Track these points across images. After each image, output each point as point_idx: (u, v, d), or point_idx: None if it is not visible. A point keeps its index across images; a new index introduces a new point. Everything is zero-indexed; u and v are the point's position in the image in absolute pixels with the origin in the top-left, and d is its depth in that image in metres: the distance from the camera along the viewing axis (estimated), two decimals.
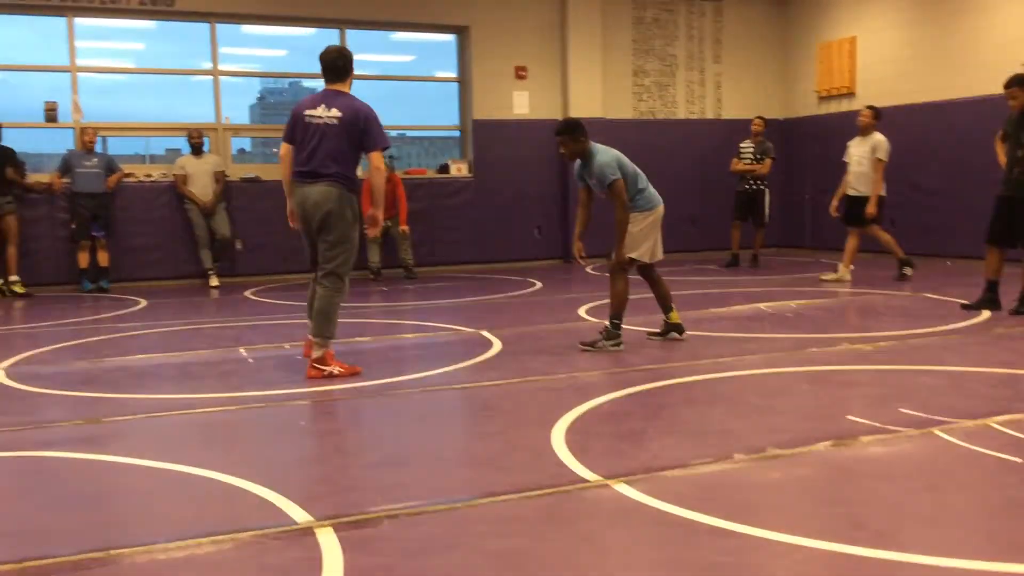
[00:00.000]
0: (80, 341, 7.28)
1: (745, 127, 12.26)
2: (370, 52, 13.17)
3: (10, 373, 5.97)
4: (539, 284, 10.65)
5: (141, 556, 2.96)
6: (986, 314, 7.47)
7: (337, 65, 5.73)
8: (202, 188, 11.13)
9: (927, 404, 4.67)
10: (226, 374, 6.04)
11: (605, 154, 6.26)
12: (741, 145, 11.99)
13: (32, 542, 3.11)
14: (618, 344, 6.34)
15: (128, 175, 11.23)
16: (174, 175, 11.24)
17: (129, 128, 12.32)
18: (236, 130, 12.55)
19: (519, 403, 5.06)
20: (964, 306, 7.76)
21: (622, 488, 3.49)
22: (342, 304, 5.79)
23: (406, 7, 12.44)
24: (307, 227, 5.71)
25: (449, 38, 13.22)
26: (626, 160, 6.36)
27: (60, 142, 11.44)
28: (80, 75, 11.34)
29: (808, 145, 13.97)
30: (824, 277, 10.15)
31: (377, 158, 5.68)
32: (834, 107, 13.67)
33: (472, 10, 12.77)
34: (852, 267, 10.05)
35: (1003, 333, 6.76)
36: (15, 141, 10.56)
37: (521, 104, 13.10)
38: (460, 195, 12.81)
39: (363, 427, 4.89)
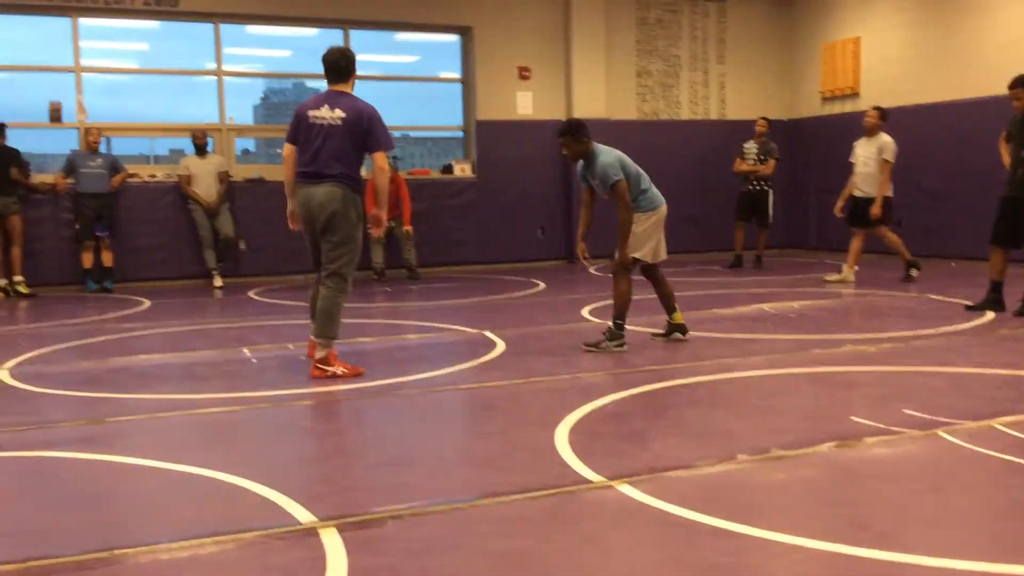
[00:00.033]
0: (84, 341, 7.29)
1: (749, 128, 12.25)
2: (374, 52, 13.19)
3: (14, 373, 5.98)
4: (542, 285, 10.65)
5: (144, 556, 2.97)
6: (990, 315, 7.46)
7: (340, 66, 5.74)
8: (206, 188, 11.15)
9: (931, 405, 4.66)
10: (229, 374, 6.05)
11: (608, 155, 6.26)
12: (745, 146, 11.98)
13: (35, 542, 3.11)
14: (621, 345, 6.34)
15: (132, 175, 11.25)
16: (178, 175, 11.26)
17: (133, 128, 12.35)
18: (240, 130, 12.56)
19: (522, 404, 5.06)
20: (968, 307, 7.75)
21: (625, 489, 3.49)
22: (345, 304, 5.80)
23: (410, 7, 12.45)
24: (311, 228, 5.71)
25: (453, 39, 13.23)
26: (629, 160, 6.35)
27: (64, 142, 11.49)
28: (84, 75, 11.36)
29: (812, 146, 13.96)
30: (828, 278, 10.14)
31: (381, 159, 5.69)
32: (838, 108, 13.66)
33: (476, 11, 12.78)
34: (856, 268, 10.04)
35: (1007, 334, 6.75)
36: (20, 141, 10.59)
37: (525, 105, 13.10)
38: (464, 195, 12.82)
39: (366, 427, 4.89)
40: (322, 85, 5.88)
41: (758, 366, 5.79)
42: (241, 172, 11.91)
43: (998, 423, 4.29)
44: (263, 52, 13.53)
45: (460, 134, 13.50)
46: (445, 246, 12.61)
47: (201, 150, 11.25)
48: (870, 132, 9.82)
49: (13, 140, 10.44)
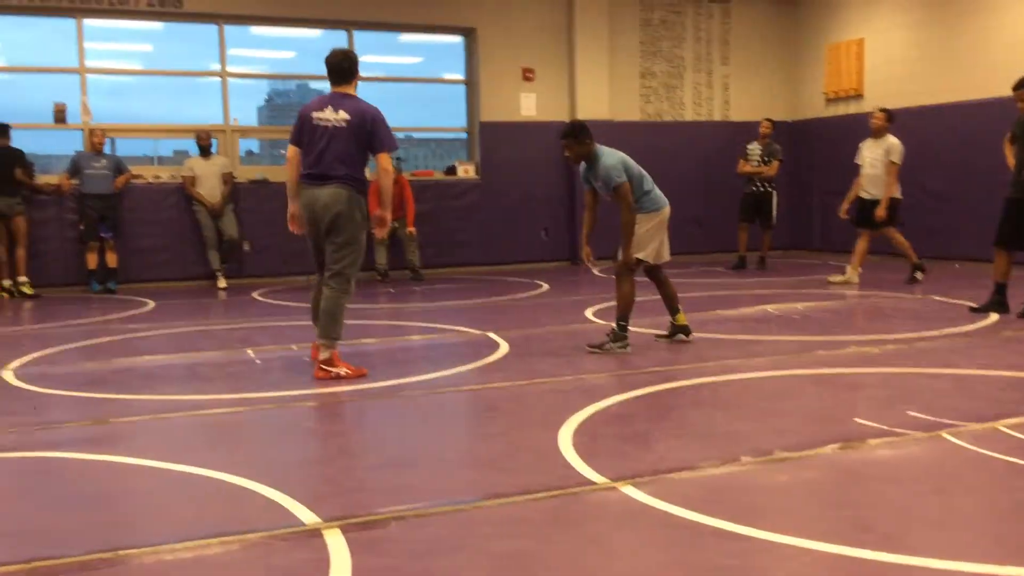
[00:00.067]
0: (88, 342, 7.30)
1: (753, 129, 12.24)
2: (377, 54, 13.21)
3: (19, 374, 6.00)
4: (546, 286, 10.65)
5: (149, 557, 2.97)
6: (994, 317, 7.45)
7: (343, 68, 5.75)
8: (210, 190, 11.16)
9: (935, 407, 4.66)
10: (233, 375, 6.06)
11: (610, 156, 6.26)
12: (748, 147, 11.97)
13: (40, 542, 3.12)
14: (625, 346, 6.34)
15: (136, 176, 11.26)
16: (182, 176, 11.27)
17: (137, 129, 12.37)
18: (244, 131, 12.58)
19: (525, 405, 5.07)
20: (972, 309, 7.74)
21: (628, 490, 3.49)
22: (348, 306, 5.80)
23: (414, 9, 12.46)
24: (315, 229, 5.72)
25: (456, 40, 13.23)
26: (631, 162, 6.35)
27: (69, 143, 11.50)
28: (89, 76, 11.38)
29: (816, 147, 13.95)
30: (832, 279, 10.12)
31: (385, 160, 5.70)
32: (842, 109, 13.64)
33: (479, 12, 12.78)
34: (860, 270, 10.02)
35: (1011, 336, 6.74)
36: (24, 142, 10.61)
37: (528, 106, 13.10)
38: (467, 197, 12.82)
39: (370, 428, 4.89)
40: (326, 86, 5.88)
41: (762, 367, 5.79)
42: (245, 173, 11.92)
43: (1002, 425, 4.29)
44: (267, 53, 13.55)
45: (464, 135, 13.50)
46: (448, 247, 12.61)
47: (205, 151, 11.27)
48: (877, 134, 9.79)
49: (17, 141, 10.47)
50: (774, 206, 11.85)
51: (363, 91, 5.86)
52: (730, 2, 14.12)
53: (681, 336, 6.67)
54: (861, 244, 9.95)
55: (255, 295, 10.37)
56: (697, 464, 3.80)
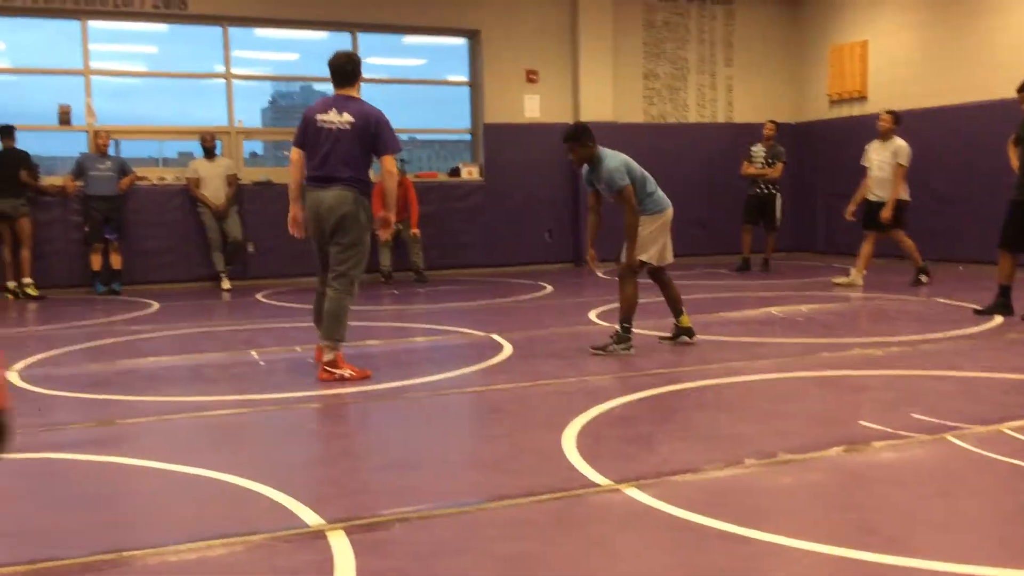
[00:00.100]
0: (92, 344, 7.32)
1: (756, 131, 12.24)
2: (382, 56, 13.22)
3: (23, 375, 6.00)
4: (549, 288, 10.65)
5: (152, 558, 2.98)
6: (998, 319, 7.43)
7: (346, 70, 5.76)
8: (214, 191, 11.18)
9: (939, 409, 4.65)
10: (237, 377, 6.06)
11: (613, 159, 6.26)
12: (752, 149, 11.97)
13: (43, 543, 3.12)
14: (628, 348, 6.33)
15: (141, 178, 11.28)
16: (187, 178, 11.29)
17: (142, 131, 12.38)
18: (248, 133, 12.59)
19: (529, 407, 5.07)
20: (977, 311, 7.73)
21: (632, 492, 3.49)
22: (352, 307, 5.81)
23: (418, 11, 12.47)
24: (319, 231, 5.73)
25: (460, 42, 13.24)
26: (634, 164, 6.35)
27: (73, 145, 11.51)
28: (93, 78, 11.40)
29: (819, 149, 13.94)
30: (836, 281, 10.11)
31: (389, 162, 5.70)
32: (845, 111, 13.63)
33: (483, 14, 12.79)
34: (865, 272, 10.00)
35: (1016, 338, 6.73)
36: (29, 144, 10.64)
37: (532, 108, 13.11)
38: (471, 198, 12.83)
39: (374, 430, 4.90)
40: (330, 89, 5.89)
41: (766, 370, 5.78)
42: (249, 175, 11.93)
43: (1007, 427, 4.28)
44: (271, 55, 13.56)
45: (467, 137, 13.51)
46: (452, 249, 12.62)
47: (210, 153, 11.28)
48: (884, 136, 9.76)
49: (22, 142, 10.49)
50: (778, 208, 11.84)
51: (367, 93, 5.87)
52: (733, 4, 14.12)
53: (685, 338, 6.66)
54: (867, 247, 9.93)
55: (259, 297, 10.38)
56: (701, 466, 3.80)
